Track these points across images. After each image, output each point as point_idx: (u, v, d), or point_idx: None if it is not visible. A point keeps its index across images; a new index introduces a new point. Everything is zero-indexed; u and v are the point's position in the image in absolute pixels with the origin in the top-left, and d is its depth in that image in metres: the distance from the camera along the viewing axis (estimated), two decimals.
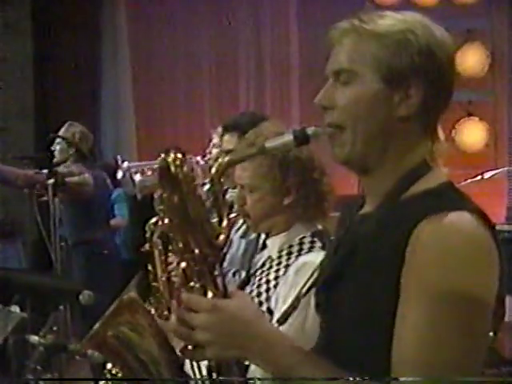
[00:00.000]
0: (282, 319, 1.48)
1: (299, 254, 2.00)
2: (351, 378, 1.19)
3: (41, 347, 3.22)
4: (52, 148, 4.97)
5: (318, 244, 2.02)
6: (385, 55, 1.27)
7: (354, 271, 1.27)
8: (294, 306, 1.45)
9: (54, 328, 3.40)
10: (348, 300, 1.27)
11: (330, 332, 1.35)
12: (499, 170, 4.89)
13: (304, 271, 1.89)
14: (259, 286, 2.01)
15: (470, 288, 1.16)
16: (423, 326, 1.16)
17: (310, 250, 2.01)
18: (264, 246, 2.12)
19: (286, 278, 1.95)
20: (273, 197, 2.01)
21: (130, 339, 1.43)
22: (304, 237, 2.03)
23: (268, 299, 1.97)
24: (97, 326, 1.43)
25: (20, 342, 3.62)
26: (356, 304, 1.25)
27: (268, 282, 2.00)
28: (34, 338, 3.31)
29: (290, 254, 2.02)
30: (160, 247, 1.99)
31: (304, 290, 1.44)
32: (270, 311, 1.95)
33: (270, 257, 2.06)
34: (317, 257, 1.92)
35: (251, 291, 2.02)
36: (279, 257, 2.03)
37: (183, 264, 1.28)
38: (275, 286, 1.97)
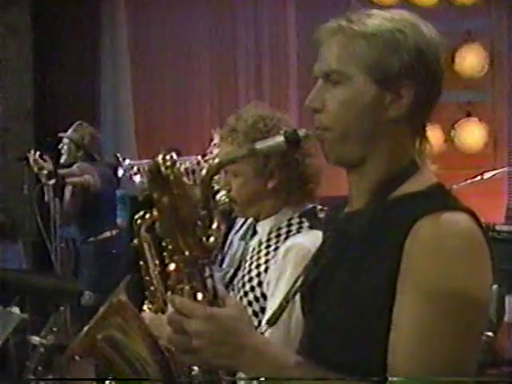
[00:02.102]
0: (272, 321, 1.46)
1: (287, 236, 1.99)
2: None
3: (41, 348, 3.23)
4: (59, 147, 4.98)
5: (306, 224, 2.01)
6: (375, 56, 1.25)
7: (348, 271, 1.26)
8: (283, 308, 1.43)
9: (55, 329, 3.40)
10: (341, 301, 1.26)
11: (317, 334, 1.34)
12: (499, 171, 4.89)
13: (292, 253, 1.89)
14: (250, 271, 2.00)
15: (469, 286, 1.17)
16: (421, 323, 1.16)
17: (298, 230, 2.00)
18: (254, 232, 2.12)
19: (275, 262, 1.94)
20: (257, 180, 2.00)
21: (119, 342, 1.42)
22: (292, 218, 2.03)
23: (260, 284, 1.96)
24: (86, 329, 1.41)
25: (20, 342, 3.63)
26: (350, 304, 1.24)
27: (258, 266, 1.99)
28: (35, 339, 3.32)
29: (278, 236, 2.01)
30: (149, 241, 1.97)
31: (292, 291, 1.42)
32: (264, 296, 1.94)
33: (259, 241, 2.05)
34: (305, 237, 1.94)
35: (243, 276, 2.02)
36: (268, 240, 2.02)
37: (173, 266, 1.26)
38: (266, 270, 1.96)
